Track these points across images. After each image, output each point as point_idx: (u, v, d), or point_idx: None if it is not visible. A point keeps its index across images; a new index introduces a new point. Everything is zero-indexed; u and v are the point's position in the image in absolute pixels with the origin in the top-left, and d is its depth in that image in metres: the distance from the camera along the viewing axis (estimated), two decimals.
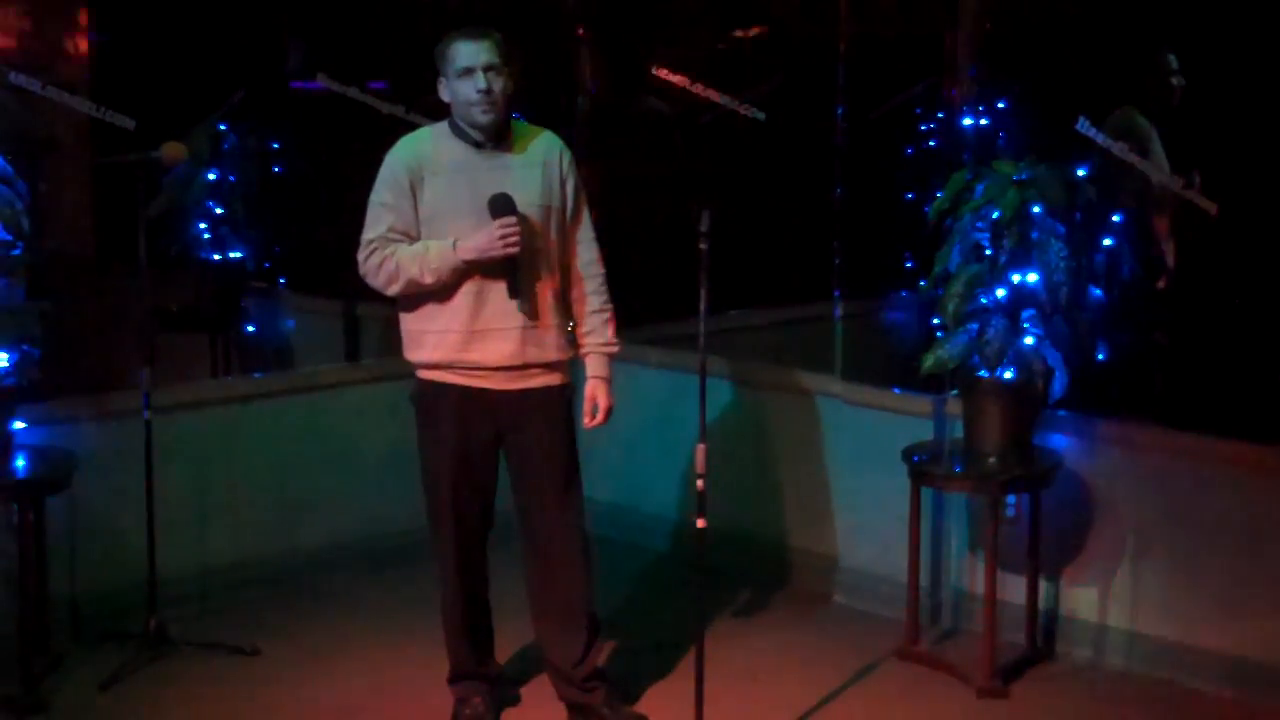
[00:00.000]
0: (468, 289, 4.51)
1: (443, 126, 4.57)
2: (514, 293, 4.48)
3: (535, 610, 4.81)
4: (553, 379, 4.64)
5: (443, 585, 4.76)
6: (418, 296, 4.56)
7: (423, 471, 4.70)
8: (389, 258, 4.49)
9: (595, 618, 4.81)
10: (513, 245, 4.42)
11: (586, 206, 4.73)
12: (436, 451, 4.64)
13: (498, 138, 4.53)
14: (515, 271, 4.47)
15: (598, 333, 4.72)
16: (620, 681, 5.00)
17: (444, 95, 4.55)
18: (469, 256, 4.44)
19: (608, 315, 4.73)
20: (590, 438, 5.06)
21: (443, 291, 4.52)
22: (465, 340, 4.52)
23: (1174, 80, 5.76)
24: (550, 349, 4.60)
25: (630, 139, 7.21)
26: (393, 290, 4.53)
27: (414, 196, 4.51)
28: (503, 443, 4.66)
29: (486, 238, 4.42)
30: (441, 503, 4.65)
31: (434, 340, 4.56)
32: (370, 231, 4.53)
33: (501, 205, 4.43)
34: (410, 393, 4.71)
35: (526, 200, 4.52)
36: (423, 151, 4.53)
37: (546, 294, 4.58)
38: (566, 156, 4.65)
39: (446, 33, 4.54)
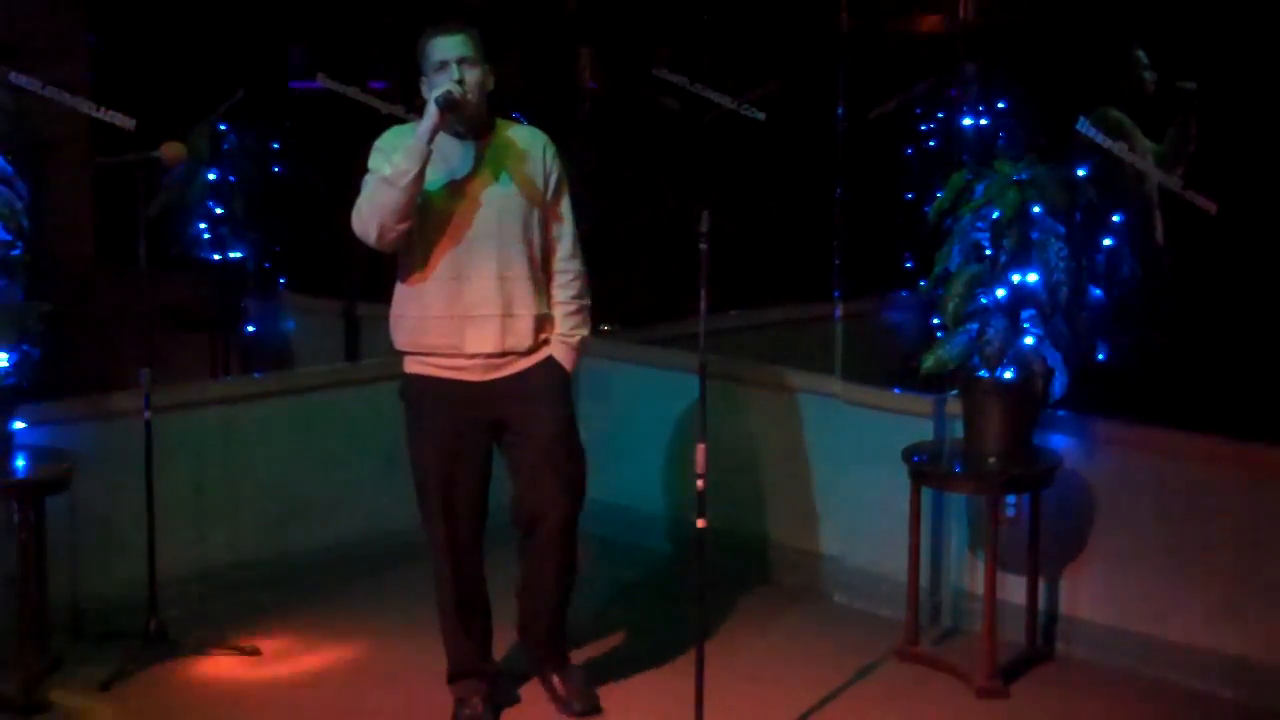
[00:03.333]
0: (448, 273, 4.57)
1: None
2: (454, 110, 4.47)
3: (516, 598, 4.90)
4: (534, 360, 4.68)
5: (439, 583, 4.77)
6: (404, 277, 4.60)
7: (412, 467, 4.72)
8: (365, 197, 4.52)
9: (568, 597, 4.88)
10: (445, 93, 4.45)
11: (568, 202, 4.76)
12: (423, 446, 4.67)
13: (478, 129, 4.61)
14: (457, 110, 4.47)
15: (560, 322, 4.73)
16: (619, 681, 5.01)
17: (425, 92, 4.60)
18: (422, 127, 4.44)
19: (575, 308, 4.76)
20: (590, 438, 5.07)
21: (424, 275, 4.57)
22: (446, 325, 4.58)
23: (1146, 75, 5.77)
24: (527, 337, 4.64)
25: (635, 138, 7.22)
26: (374, 226, 4.48)
27: None
28: (498, 434, 4.71)
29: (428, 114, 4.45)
30: (431, 498, 4.67)
31: (413, 324, 4.62)
32: (362, 195, 4.56)
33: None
34: (399, 388, 4.75)
35: (503, 189, 4.60)
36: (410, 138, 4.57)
37: (525, 284, 4.62)
38: (550, 151, 4.72)
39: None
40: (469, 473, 4.68)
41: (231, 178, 6.86)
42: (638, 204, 7.16)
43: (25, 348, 5.04)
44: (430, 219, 4.55)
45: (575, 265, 4.76)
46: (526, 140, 4.70)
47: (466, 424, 4.65)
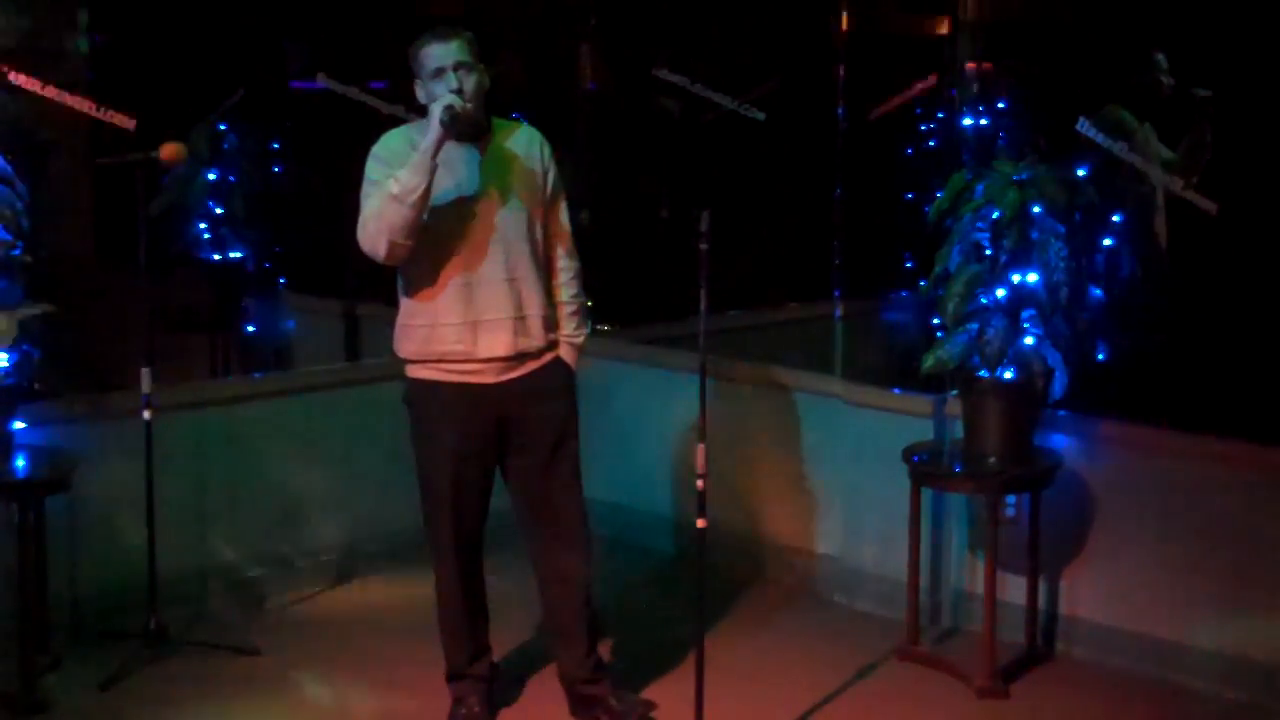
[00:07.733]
0: (457, 279, 4.55)
1: (422, 123, 4.56)
2: (457, 125, 4.40)
3: (544, 602, 4.83)
4: (544, 360, 4.69)
5: (440, 584, 4.76)
6: (412, 286, 4.58)
7: (419, 471, 4.71)
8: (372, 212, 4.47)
9: (595, 606, 4.85)
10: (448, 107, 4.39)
11: (564, 199, 4.78)
12: (434, 451, 4.65)
13: (478, 133, 4.59)
14: (456, 118, 4.40)
15: (564, 323, 4.77)
16: (620, 681, 5.01)
17: (420, 97, 4.59)
18: (427, 141, 4.39)
19: (575, 308, 4.78)
20: (590, 438, 5.07)
21: (432, 283, 4.55)
22: (459, 332, 4.56)
23: (1164, 79, 5.79)
24: (538, 337, 4.66)
25: (633, 138, 7.22)
26: (384, 243, 4.43)
27: None
28: (504, 432, 4.68)
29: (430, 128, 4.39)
30: (441, 502, 4.66)
31: (424, 333, 4.60)
32: (366, 209, 4.51)
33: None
34: (403, 394, 4.74)
35: (506, 192, 4.59)
36: (410, 142, 4.55)
37: (533, 285, 4.63)
38: (547, 150, 4.72)
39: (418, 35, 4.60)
40: (476, 475, 4.68)
41: (231, 178, 6.86)
42: (637, 204, 7.17)
43: (25, 348, 5.04)
44: (435, 226, 4.52)
45: (574, 263, 4.78)
46: (524, 140, 4.68)
47: (476, 426, 4.64)
